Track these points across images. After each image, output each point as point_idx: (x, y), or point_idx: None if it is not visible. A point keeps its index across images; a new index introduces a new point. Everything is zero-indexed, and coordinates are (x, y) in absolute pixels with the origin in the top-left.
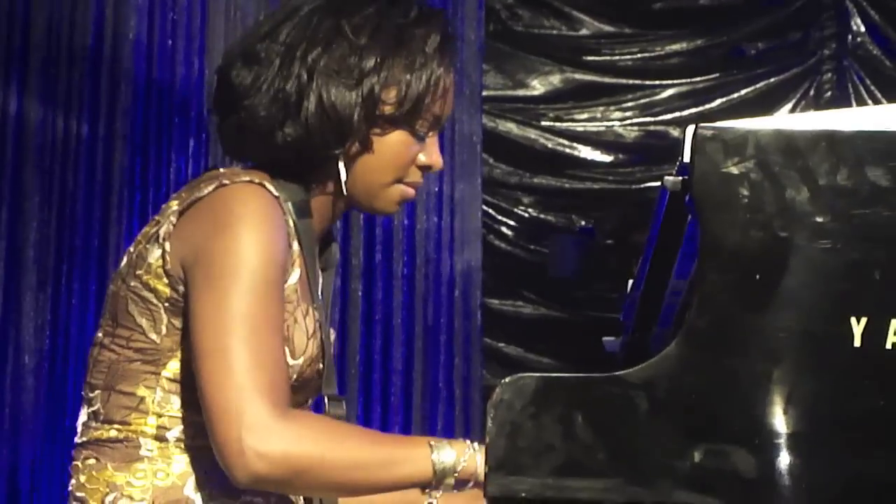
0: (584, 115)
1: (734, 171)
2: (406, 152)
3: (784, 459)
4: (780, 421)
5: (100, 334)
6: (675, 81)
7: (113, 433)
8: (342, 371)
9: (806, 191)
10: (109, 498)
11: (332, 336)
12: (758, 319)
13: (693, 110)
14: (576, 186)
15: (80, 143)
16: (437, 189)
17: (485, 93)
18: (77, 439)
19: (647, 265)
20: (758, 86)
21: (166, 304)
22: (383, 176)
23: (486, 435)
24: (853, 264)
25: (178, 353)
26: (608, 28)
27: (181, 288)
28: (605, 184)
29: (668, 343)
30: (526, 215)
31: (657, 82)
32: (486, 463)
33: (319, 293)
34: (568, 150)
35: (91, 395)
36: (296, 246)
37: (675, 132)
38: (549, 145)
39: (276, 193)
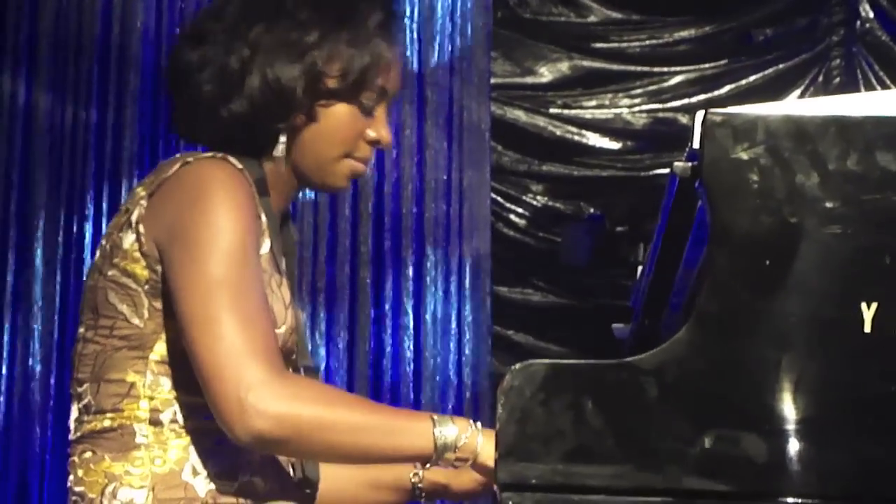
0: (593, 102)
1: (744, 156)
2: (352, 125)
3: (794, 445)
4: (790, 406)
5: (81, 329)
6: (684, 68)
7: (107, 423)
8: (351, 360)
9: (816, 176)
10: (109, 489)
11: (301, 316)
12: (768, 305)
13: (702, 97)
14: (584, 174)
15: (88, 132)
16: (445, 177)
17: (493, 80)
18: (71, 436)
19: (657, 252)
20: (766, 72)
21: (146, 287)
22: (331, 149)
23: (496, 421)
24: (863, 250)
25: (163, 335)
26: (616, 15)
27: (159, 268)
28: (613, 171)
29: (678, 329)
30: (535, 203)
31: (665, 69)
32: (496, 449)
33: (284, 269)
34: (576, 138)
35: (80, 389)
36: (263, 217)
37: (683, 119)
38: (558, 133)
39: (240, 166)
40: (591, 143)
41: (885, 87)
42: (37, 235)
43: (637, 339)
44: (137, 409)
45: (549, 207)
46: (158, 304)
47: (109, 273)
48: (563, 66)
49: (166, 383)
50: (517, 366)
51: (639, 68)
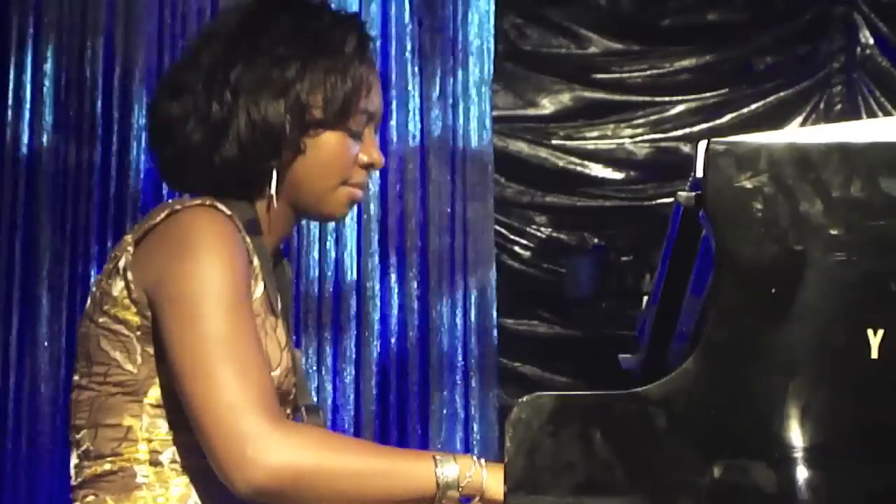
0: (595, 133)
1: (747, 185)
2: (345, 152)
3: (804, 473)
4: (798, 434)
5: (76, 377)
6: (685, 97)
7: (107, 466)
8: (358, 396)
9: (820, 203)
10: None
11: (299, 355)
12: (774, 333)
13: (703, 126)
14: (588, 204)
15: (91, 172)
16: (449, 210)
17: (495, 112)
18: (72, 482)
19: (662, 281)
20: (768, 100)
21: (138, 333)
22: (327, 179)
23: (504, 454)
24: (869, 276)
25: (157, 379)
26: (617, 45)
27: (149, 313)
28: (617, 201)
29: (685, 359)
30: (539, 234)
31: (667, 98)
32: (504, 483)
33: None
34: (579, 169)
35: (78, 436)
36: (256, 261)
37: (686, 148)
38: (561, 164)
39: (229, 212)
40: (593, 173)
41: (886, 113)
42: (42, 276)
43: (644, 370)
44: (136, 451)
45: (553, 239)
46: (151, 350)
47: (101, 320)
48: (565, 98)
49: (163, 425)
50: (525, 398)
51: (640, 98)
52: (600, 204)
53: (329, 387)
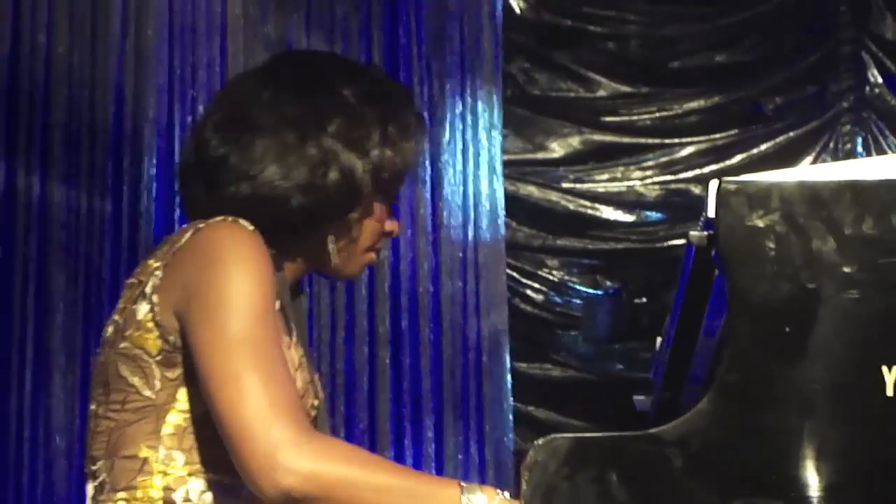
0: (605, 176)
1: (759, 223)
2: (383, 220)
3: None
4: (814, 473)
5: (93, 406)
6: (695, 139)
7: (121, 503)
8: (372, 439)
9: (832, 241)
10: None
11: (317, 377)
12: (789, 372)
13: (713, 167)
14: (599, 247)
15: (104, 222)
16: (461, 254)
17: (504, 157)
18: None
19: (676, 322)
20: (777, 140)
21: (158, 358)
22: (366, 243)
23: (520, 498)
24: (882, 313)
25: (175, 405)
26: (625, 88)
27: (171, 338)
28: (628, 243)
29: (700, 399)
30: (551, 277)
31: (676, 140)
32: None
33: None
34: (590, 211)
35: (94, 467)
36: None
37: (696, 189)
38: (571, 207)
39: (251, 227)
40: (604, 216)
41: None
42: (56, 326)
43: (658, 411)
44: (152, 486)
45: (565, 282)
46: (171, 374)
47: (121, 346)
48: (574, 141)
49: (179, 458)
50: (540, 441)
51: (649, 140)
52: (611, 246)
53: (343, 433)
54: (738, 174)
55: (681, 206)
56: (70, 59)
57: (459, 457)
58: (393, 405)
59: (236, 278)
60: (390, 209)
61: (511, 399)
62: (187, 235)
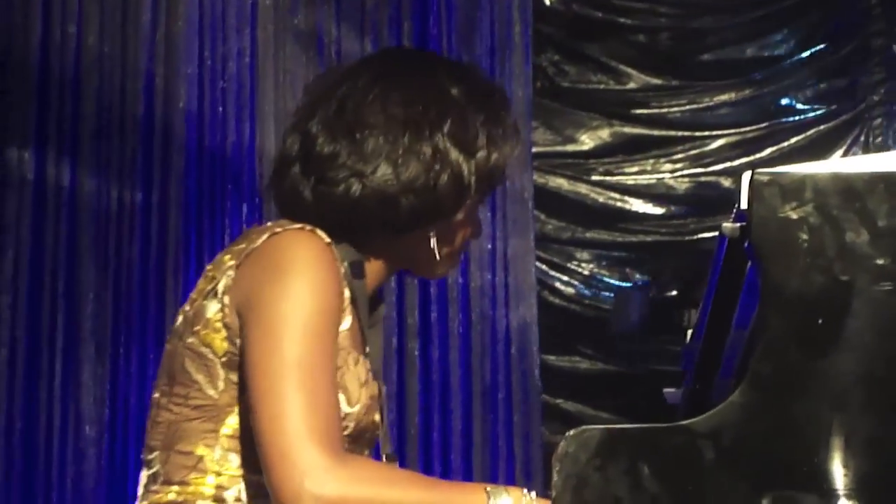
0: (635, 169)
1: (793, 215)
2: (477, 220)
3: None
4: (847, 465)
5: (156, 395)
6: (725, 132)
7: (172, 496)
8: (401, 431)
9: (865, 233)
10: None
11: (384, 390)
12: (822, 363)
13: (743, 160)
14: (629, 240)
15: (133, 213)
16: (490, 246)
17: (534, 149)
18: (137, 502)
19: (707, 314)
20: (808, 133)
21: (223, 359)
22: (460, 243)
23: (552, 489)
24: None
25: (236, 408)
26: (655, 81)
27: (238, 341)
28: (658, 236)
29: (731, 391)
30: (580, 270)
31: (706, 133)
32: None
33: (368, 350)
34: (619, 204)
35: (150, 456)
36: (347, 293)
37: (726, 182)
38: (601, 200)
39: (328, 240)
40: (634, 209)
41: None
42: (85, 316)
43: (689, 404)
44: (203, 484)
45: (594, 274)
46: (234, 377)
47: (189, 340)
48: (604, 134)
49: (235, 459)
50: (572, 432)
51: (680, 133)
52: (641, 239)
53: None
54: (768, 167)
55: (711, 199)
56: (100, 50)
57: (487, 449)
58: (421, 397)
59: (297, 295)
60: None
61: (540, 391)
62: (263, 238)
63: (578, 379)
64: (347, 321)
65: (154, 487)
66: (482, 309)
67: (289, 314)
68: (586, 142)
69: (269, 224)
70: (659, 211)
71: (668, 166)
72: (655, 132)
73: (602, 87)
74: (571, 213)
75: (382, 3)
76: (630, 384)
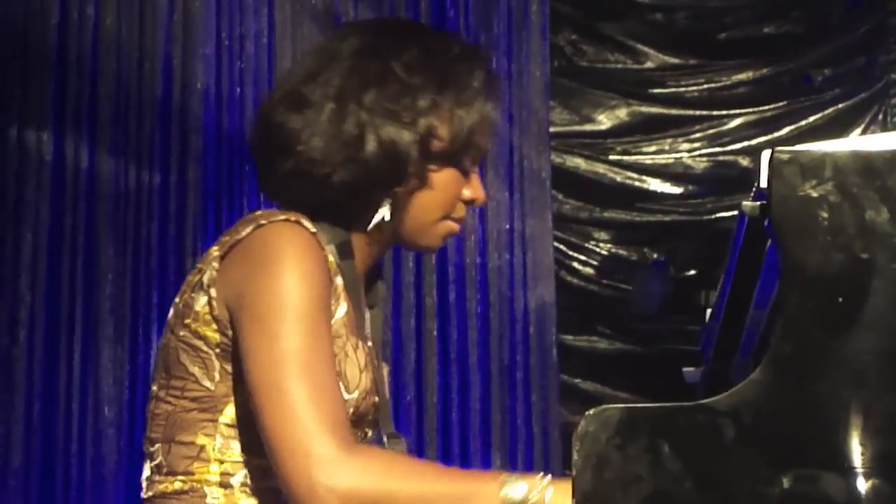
0: (653, 148)
1: (813, 193)
2: (455, 188)
3: (874, 482)
4: (868, 444)
5: (154, 388)
6: (743, 111)
7: (177, 485)
8: (420, 411)
9: (886, 211)
10: None
11: (386, 371)
12: (842, 342)
13: (762, 139)
14: (647, 219)
15: (152, 194)
16: (507, 226)
17: (552, 129)
18: (143, 494)
19: (727, 293)
20: (826, 112)
21: (217, 350)
22: (433, 213)
23: (572, 468)
24: None
25: (233, 398)
26: (673, 60)
27: (230, 332)
28: (676, 216)
29: (752, 371)
30: (598, 250)
31: (724, 112)
32: (573, 497)
33: (367, 331)
34: (637, 184)
35: (152, 448)
36: (339, 281)
37: (744, 161)
38: (619, 179)
39: (313, 230)
40: (652, 188)
41: None
42: (104, 297)
43: (708, 383)
44: (208, 472)
45: (612, 254)
46: (230, 367)
47: (181, 333)
48: (622, 113)
49: (236, 446)
50: (591, 411)
51: (697, 112)
52: (659, 219)
53: (390, 405)
54: (786, 146)
55: (729, 179)
56: (118, 31)
57: (506, 428)
58: (440, 377)
59: (287, 287)
60: (473, 174)
61: (558, 371)
62: (248, 230)
63: (596, 359)
64: (343, 308)
65: (158, 478)
66: (500, 289)
67: (280, 307)
68: (604, 121)
69: (257, 213)
70: (677, 190)
71: (686, 146)
72: (673, 111)
73: (620, 66)
74: (589, 193)
75: None
76: (648, 364)
